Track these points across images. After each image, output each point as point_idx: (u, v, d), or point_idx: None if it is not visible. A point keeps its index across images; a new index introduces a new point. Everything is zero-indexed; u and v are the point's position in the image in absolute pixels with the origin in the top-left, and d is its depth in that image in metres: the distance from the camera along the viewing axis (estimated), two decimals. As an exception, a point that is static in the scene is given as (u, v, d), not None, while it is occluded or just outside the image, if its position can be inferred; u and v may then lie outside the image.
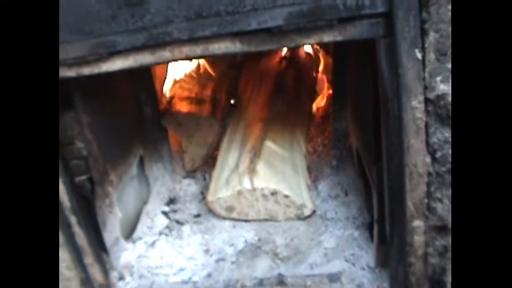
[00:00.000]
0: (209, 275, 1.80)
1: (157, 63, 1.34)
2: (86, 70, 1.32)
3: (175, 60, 1.32)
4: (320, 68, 3.04)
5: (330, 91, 2.57)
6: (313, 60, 3.11)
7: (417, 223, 1.35)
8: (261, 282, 1.71)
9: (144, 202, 2.22)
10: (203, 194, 2.30)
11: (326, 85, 2.92)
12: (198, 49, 1.26)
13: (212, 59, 2.91)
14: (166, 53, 1.28)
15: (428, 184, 1.31)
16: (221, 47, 1.25)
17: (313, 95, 2.85)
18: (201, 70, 2.93)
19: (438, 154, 1.26)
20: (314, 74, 2.96)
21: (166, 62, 1.32)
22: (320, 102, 2.90)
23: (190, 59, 1.37)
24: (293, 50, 3.06)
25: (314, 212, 2.03)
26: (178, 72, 2.88)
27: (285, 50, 3.09)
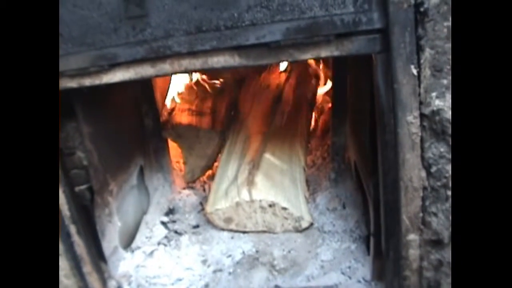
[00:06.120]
0: (206, 286, 1.81)
1: (157, 76, 1.36)
2: (88, 81, 1.34)
3: (175, 73, 1.34)
4: (321, 81, 3.05)
5: (330, 105, 2.59)
6: (314, 73, 3.13)
7: (412, 237, 1.36)
8: (257, 293, 1.72)
9: (144, 212, 2.24)
10: (202, 205, 2.31)
11: (326, 98, 2.94)
12: (198, 63, 1.28)
13: (213, 73, 2.94)
14: (166, 66, 1.30)
15: (423, 199, 1.32)
16: (220, 60, 1.27)
17: (313, 108, 2.87)
18: (202, 83, 2.96)
19: (433, 169, 1.27)
20: (314, 88, 2.97)
21: (166, 75, 1.34)
22: (320, 116, 2.92)
23: (190, 72, 1.39)
24: (294, 64, 3.08)
25: (311, 224, 2.04)
26: (179, 85, 2.91)
27: (284, 64, 3.11)
